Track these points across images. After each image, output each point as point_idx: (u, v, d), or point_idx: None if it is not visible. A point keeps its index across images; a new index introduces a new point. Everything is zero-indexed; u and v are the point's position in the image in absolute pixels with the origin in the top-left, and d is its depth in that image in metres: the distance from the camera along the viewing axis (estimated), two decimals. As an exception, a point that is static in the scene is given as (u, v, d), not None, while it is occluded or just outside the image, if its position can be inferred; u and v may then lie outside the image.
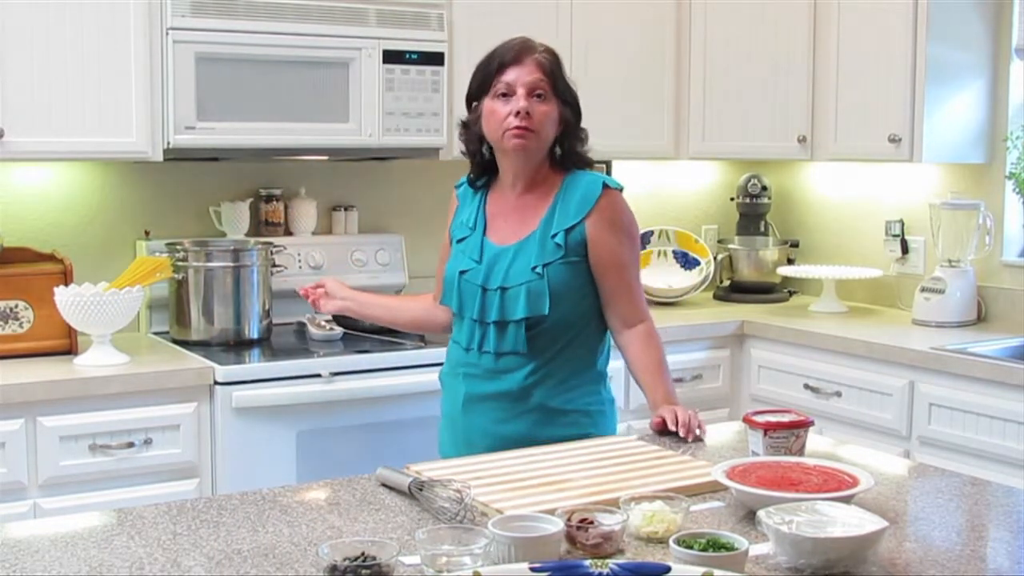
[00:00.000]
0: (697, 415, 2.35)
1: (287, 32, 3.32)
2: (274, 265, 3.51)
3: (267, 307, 3.44)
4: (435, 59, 3.53)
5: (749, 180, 4.41)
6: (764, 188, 4.40)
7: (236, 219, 3.64)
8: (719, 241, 4.54)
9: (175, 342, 3.37)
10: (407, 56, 3.48)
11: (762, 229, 4.45)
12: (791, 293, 4.40)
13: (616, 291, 2.39)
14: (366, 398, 3.17)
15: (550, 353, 2.36)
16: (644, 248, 4.32)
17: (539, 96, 2.34)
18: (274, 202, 3.74)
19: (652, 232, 4.36)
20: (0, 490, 2.80)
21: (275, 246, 3.52)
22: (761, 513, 1.61)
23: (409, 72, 3.49)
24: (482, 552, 1.54)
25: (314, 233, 3.79)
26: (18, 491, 2.83)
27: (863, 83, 3.83)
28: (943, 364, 3.27)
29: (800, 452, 2.07)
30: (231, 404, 3.02)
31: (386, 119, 3.48)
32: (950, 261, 3.78)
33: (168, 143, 3.22)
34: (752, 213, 4.44)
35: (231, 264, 3.36)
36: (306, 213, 3.76)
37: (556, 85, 2.37)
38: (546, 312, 2.32)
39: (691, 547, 1.54)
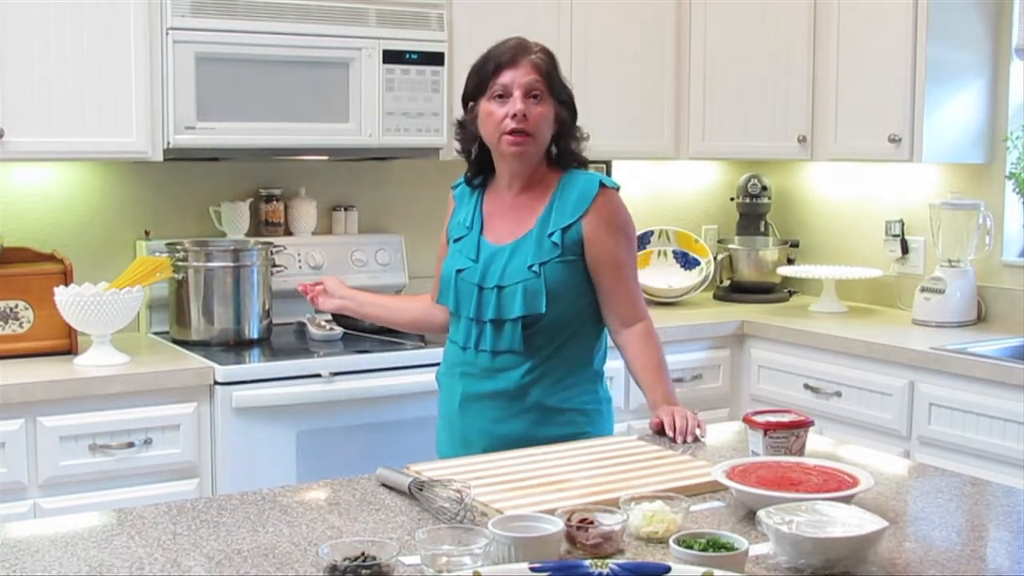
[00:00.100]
0: (696, 416, 2.35)
1: (287, 32, 3.32)
2: (274, 265, 3.51)
3: (267, 307, 3.44)
4: (435, 59, 3.53)
5: (749, 180, 4.41)
6: (764, 188, 4.40)
7: (236, 219, 3.64)
8: (719, 241, 4.54)
9: (175, 342, 3.37)
10: (407, 56, 3.48)
11: (762, 229, 4.45)
12: (791, 293, 4.40)
13: (613, 290, 2.39)
14: (366, 398, 3.17)
15: (547, 352, 2.36)
16: (644, 248, 4.32)
17: (535, 97, 2.35)
18: (274, 202, 3.74)
19: (652, 232, 4.36)
20: (0, 490, 2.80)
21: (275, 246, 3.53)
22: (761, 513, 1.61)
23: (409, 72, 3.49)
24: (482, 552, 1.54)
25: (314, 233, 3.79)
26: (18, 491, 2.83)
27: (863, 83, 3.83)
28: (943, 364, 3.27)
29: (800, 452, 2.07)
30: (231, 404, 3.02)
31: (386, 119, 3.48)
32: (950, 261, 3.78)
33: (168, 143, 3.22)
34: (752, 213, 4.44)
35: (231, 264, 3.36)
36: (306, 213, 3.76)
37: (552, 85, 2.37)
38: (543, 311, 2.32)
39: (691, 547, 1.54)
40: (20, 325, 3.10)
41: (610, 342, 2.49)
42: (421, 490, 1.86)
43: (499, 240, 2.41)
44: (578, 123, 2.46)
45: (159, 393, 2.97)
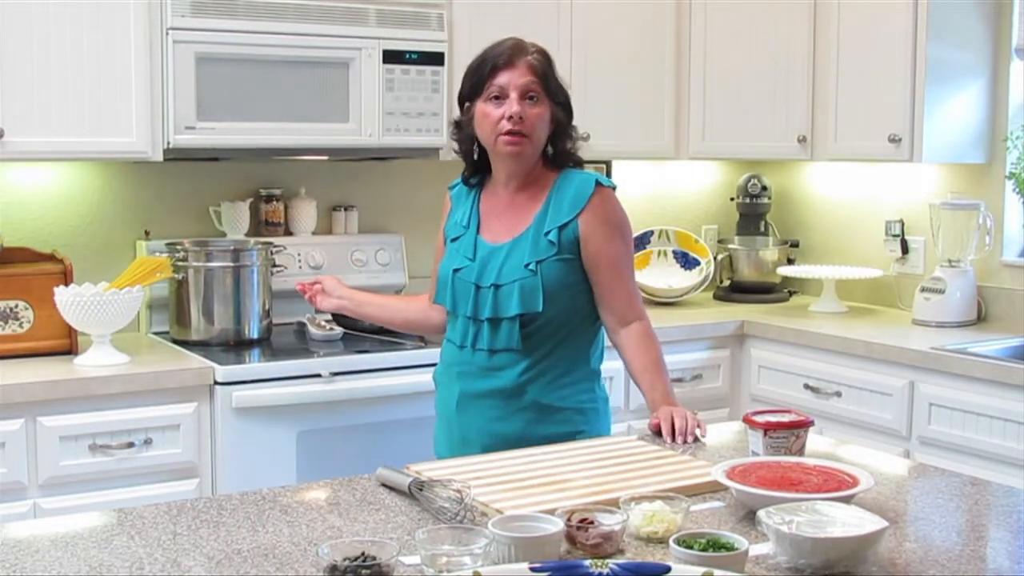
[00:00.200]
0: (696, 416, 2.34)
1: (287, 32, 3.32)
2: (274, 265, 3.51)
3: (267, 307, 3.44)
4: (435, 59, 3.53)
5: (749, 180, 4.41)
6: (764, 188, 4.40)
7: (236, 219, 3.64)
8: (719, 241, 4.54)
9: (175, 342, 3.37)
10: (407, 56, 3.48)
11: (762, 229, 4.45)
12: (791, 293, 4.40)
13: (609, 288, 2.40)
14: (366, 398, 3.17)
15: (544, 350, 2.37)
16: (644, 248, 4.32)
17: (531, 99, 2.35)
18: (274, 202, 3.74)
19: (652, 232, 4.36)
20: (0, 490, 2.80)
21: (275, 246, 3.53)
22: (761, 513, 1.61)
23: (409, 72, 3.50)
24: (482, 552, 1.54)
25: (314, 233, 3.79)
26: (18, 491, 2.83)
27: (863, 83, 3.83)
28: (943, 364, 3.27)
29: (800, 452, 2.07)
30: (231, 404, 3.02)
31: (386, 119, 3.48)
32: (950, 261, 3.78)
33: (168, 143, 3.22)
34: (752, 213, 4.44)
35: (231, 264, 3.36)
36: (306, 213, 3.76)
37: (548, 86, 2.38)
38: (540, 309, 2.33)
39: (691, 547, 1.54)
40: (20, 325, 3.10)
41: (608, 342, 2.49)
42: (421, 490, 1.86)
43: (496, 239, 2.42)
44: (575, 123, 2.46)
45: (159, 393, 2.97)
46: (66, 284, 3.10)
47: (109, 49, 3.14)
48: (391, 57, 3.46)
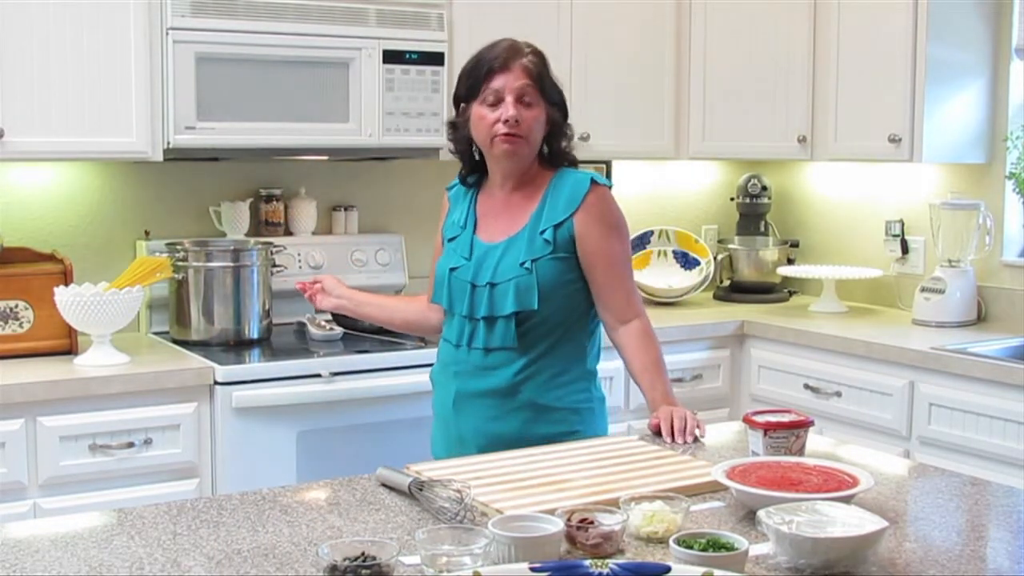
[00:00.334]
0: (695, 416, 2.34)
1: (287, 32, 3.32)
2: (274, 265, 3.51)
3: (267, 307, 3.44)
4: (435, 59, 3.53)
5: (749, 180, 4.41)
6: (764, 188, 4.40)
7: (236, 219, 3.64)
8: (719, 241, 4.54)
9: (175, 342, 3.37)
10: (407, 56, 3.48)
11: (762, 229, 4.45)
12: (791, 293, 4.40)
13: (606, 286, 2.40)
14: (366, 398, 3.17)
15: (539, 350, 2.37)
16: (644, 248, 4.32)
17: (527, 101, 2.35)
18: (274, 202, 3.74)
19: (652, 232, 4.36)
20: (0, 490, 2.80)
21: (275, 246, 3.53)
22: (761, 513, 1.61)
23: (409, 72, 3.50)
24: (482, 552, 1.54)
25: (314, 233, 3.79)
26: (18, 491, 2.83)
27: (863, 83, 3.83)
28: (943, 364, 3.27)
29: (800, 452, 2.07)
30: (231, 404, 3.02)
31: (386, 119, 3.48)
32: (950, 261, 3.78)
33: (168, 143, 3.22)
34: (752, 213, 4.44)
35: (231, 264, 3.36)
36: (306, 213, 3.76)
37: (543, 88, 2.38)
38: (535, 307, 2.33)
39: (691, 547, 1.54)
40: (20, 325, 3.10)
41: (605, 342, 2.49)
42: (421, 490, 1.86)
43: (492, 238, 2.42)
44: (570, 122, 2.46)
45: (159, 393, 2.97)
46: (66, 284, 3.10)
47: (109, 49, 3.14)
48: (391, 57, 3.46)
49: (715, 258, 4.36)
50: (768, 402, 3.69)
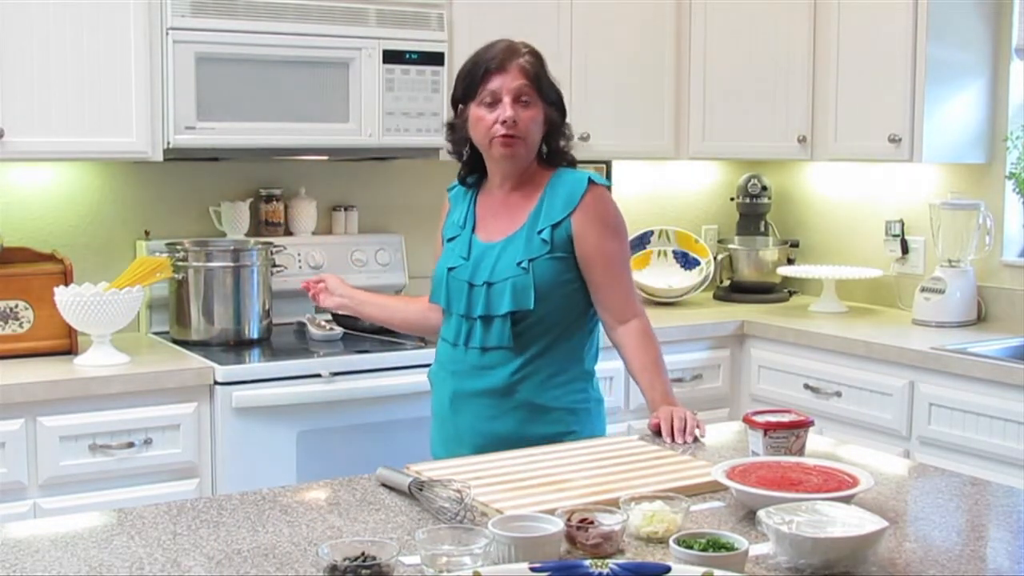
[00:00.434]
0: (695, 416, 2.34)
1: (287, 32, 3.32)
2: (274, 265, 3.51)
3: (267, 307, 3.44)
4: (435, 59, 3.53)
5: (749, 180, 4.41)
6: (764, 188, 4.40)
7: (236, 219, 3.64)
8: (719, 241, 4.54)
9: (175, 342, 3.37)
10: (407, 56, 3.48)
11: (762, 229, 4.45)
12: (791, 293, 4.40)
13: (605, 286, 2.40)
14: (366, 398, 3.17)
15: (536, 349, 2.37)
16: (644, 248, 4.32)
17: (524, 101, 2.36)
18: (274, 202, 3.74)
19: (652, 232, 4.36)
20: (0, 490, 2.80)
21: (275, 246, 3.53)
22: (761, 513, 1.61)
23: (409, 72, 3.50)
24: (482, 552, 1.54)
25: (314, 233, 3.79)
26: (18, 491, 2.83)
27: (863, 83, 3.83)
28: (943, 364, 3.27)
29: (800, 452, 2.07)
30: (231, 404, 3.02)
31: (386, 119, 3.48)
32: (950, 261, 3.78)
33: (168, 143, 3.22)
34: (752, 213, 4.44)
35: (231, 264, 3.36)
36: (306, 213, 3.76)
37: (540, 88, 2.38)
38: (531, 307, 2.33)
39: (691, 547, 1.54)
40: (20, 325, 3.10)
41: (604, 342, 2.49)
42: (421, 490, 1.86)
43: (490, 238, 2.42)
44: (569, 122, 2.46)
45: (159, 393, 2.97)
46: (66, 284, 3.10)
47: (109, 49, 3.14)
48: (391, 57, 3.46)
49: (715, 258, 4.36)
50: (768, 402, 3.69)
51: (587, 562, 1.44)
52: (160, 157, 3.25)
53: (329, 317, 3.52)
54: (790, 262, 4.38)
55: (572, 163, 2.48)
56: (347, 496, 1.93)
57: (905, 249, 4.09)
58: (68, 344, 3.13)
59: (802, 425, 2.08)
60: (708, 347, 3.86)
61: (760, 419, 2.08)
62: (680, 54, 4.10)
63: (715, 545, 1.55)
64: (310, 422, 3.11)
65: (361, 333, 3.43)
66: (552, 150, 2.45)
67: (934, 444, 3.29)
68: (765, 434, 2.06)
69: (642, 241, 4.33)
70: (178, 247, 3.37)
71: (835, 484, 1.81)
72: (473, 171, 2.51)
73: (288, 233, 3.76)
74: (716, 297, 4.38)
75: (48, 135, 3.09)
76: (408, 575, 1.56)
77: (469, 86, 2.39)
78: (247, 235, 3.66)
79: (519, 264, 2.35)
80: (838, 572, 1.55)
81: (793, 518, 1.59)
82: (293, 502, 1.91)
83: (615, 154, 4.12)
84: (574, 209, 2.37)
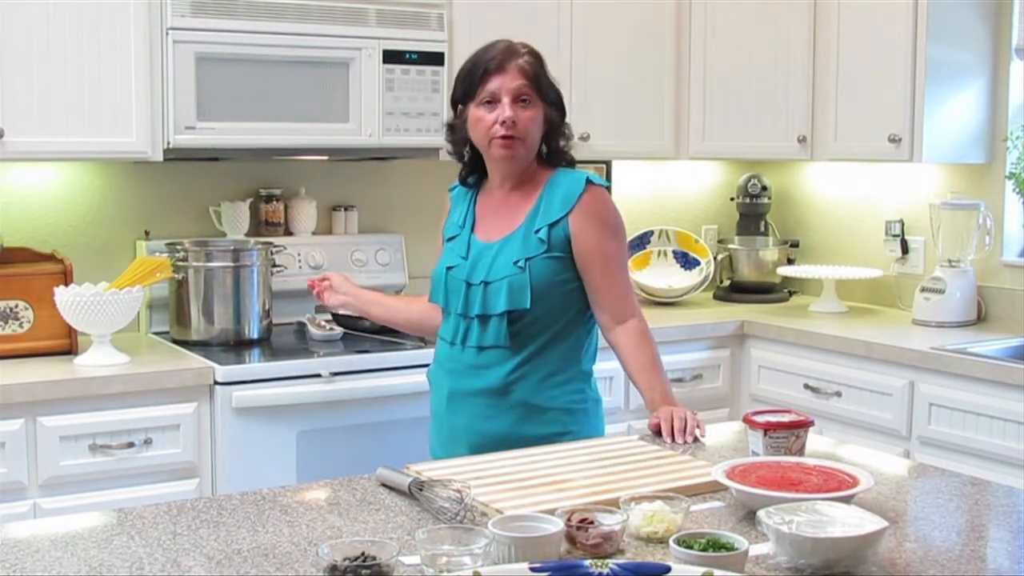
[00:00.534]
0: (695, 416, 2.34)
1: (287, 32, 3.32)
2: (274, 265, 3.51)
3: (267, 307, 3.44)
4: (435, 59, 3.53)
5: (749, 180, 4.41)
6: (764, 188, 4.40)
7: (236, 219, 3.64)
8: (719, 241, 4.54)
9: (175, 342, 3.37)
10: (407, 56, 3.48)
11: (762, 229, 4.45)
12: (791, 293, 4.40)
13: (602, 286, 2.40)
14: (366, 398, 3.17)
15: (532, 349, 2.37)
16: (644, 248, 4.32)
17: (524, 101, 2.36)
18: (274, 202, 3.74)
19: (652, 232, 4.36)
20: (0, 490, 2.80)
21: (275, 246, 3.53)
22: (761, 513, 1.61)
23: (409, 72, 3.50)
24: (482, 552, 1.54)
25: (314, 233, 3.79)
26: (18, 491, 2.83)
27: (863, 83, 3.83)
28: (943, 364, 3.27)
29: (800, 452, 2.07)
30: (231, 404, 3.02)
31: (386, 119, 3.48)
32: (950, 261, 3.78)
33: (168, 143, 3.22)
34: (752, 213, 4.44)
35: (231, 264, 3.36)
36: (306, 213, 3.76)
37: (540, 88, 2.38)
38: (527, 306, 2.33)
39: (691, 547, 1.54)
40: (20, 325, 3.10)
41: (602, 342, 2.49)
42: (421, 490, 1.86)
43: (488, 237, 2.43)
44: (569, 121, 2.47)
45: (159, 393, 2.97)
46: (66, 284, 3.10)
47: (109, 49, 3.14)
48: (391, 57, 3.46)
49: (715, 258, 4.36)
50: (768, 402, 3.69)
51: (587, 562, 1.44)
52: (160, 157, 3.25)
53: (329, 317, 3.52)
54: (790, 262, 4.38)
55: (572, 163, 2.48)
56: (347, 496, 1.93)
57: (905, 249, 4.09)
58: (68, 344, 3.13)
59: (802, 425, 2.08)
60: (708, 347, 3.86)
61: (760, 419, 2.08)
62: (680, 54, 4.10)
63: (715, 545, 1.55)
64: (310, 422, 3.11)
65: (361, 333, 3.43)
66: (552, 150, 2.45)
67: (934, 444, 3.29)
68: (765, 434, 2.06)
69: (642, 241, 4.33)
70: (178, 247, 3.37)
71: (835, 484, 1.81)
72: (473, 171, 2.51)
73: (288, 233, 3.76)
74: (716, 297, 4.38)
75: (48, 135, 3.09)
76: (408, 575, 1.56)
77: (468, 86, 2.39)
78: (247, 235, 3.66)
79: (516, 263, 2.35)
80: (838, 572, 1.55)
81: (793, 518, 1.59)
82: (293, 502, 1.91)
83: (615, 154, 4.12)
84: (571, 209, 2.37)
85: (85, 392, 2.89)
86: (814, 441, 2.19)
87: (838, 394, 3.57)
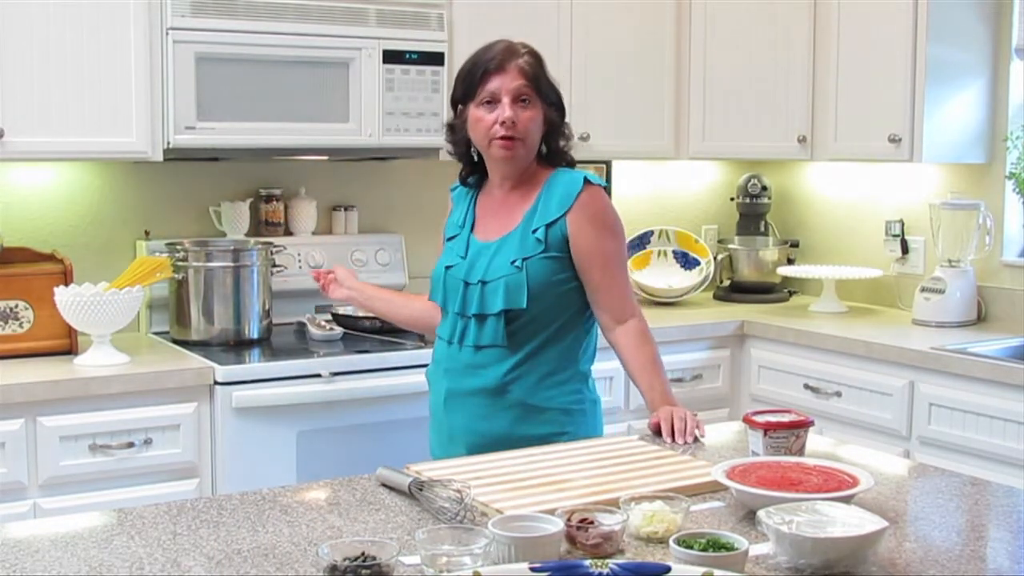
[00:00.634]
0: (695, 416, 2.34)
1: (287, 32, 3.32)
2: (274, 265, 3.51)
3: (267, 307, 3.44)
4: (435, 59, 3.53)
5: (749, 180, 4.41)
6: (764, 188, 4.40)
7: (236, 219, 3.64)
8: (719, 241, 4.54)
9: (175, 342, 3.37)
10: (407, 56, 3.48)
11: (762, 229, 4.45)
12: (791, 293, 4.40)
13: (601, 287, 2.40)
14: (366, 398, 3.17)
15: (529, 349, 2.37)
16: (644, 248, 4.32)
17: (523, 102, 2.36)
18: (274, 202, 3.74)
19: (652, 232, 4.36)
20: (0, 490, 2.80)
21: (275, 246, 3.52)
22: (761, 513, 1.61)
23: (409, 72, 3.50)
24: (482, 552, 1.54)
25: (314, 233, 3.79)
26: (18, 491, 2.83)
27: (863, 83, 3.83)
28: (943, 364, 3.27)
29: (800, 452, 2.07)
30: (231, 404, 3.02)
31: (386, 119, 3.48)
32: (950, 261, 3.78)
33: (168, 143, 3.22)
34: (752, 213, 4.44)
35: (231, 264, 3.36)
36: (306, 213, 3.76)
37: (539, 88, 2.39)
38: (524, 306, 2.33)
39: (691, 547, 1.54)
40: (20, 325, 3.10)
41: (601, 342, 2.49)
42: (421, 490, 1.86)
43: (487, 237, 2.43)
44: (569, 122, 2.47)
45: (159, 393, 2.97)
46: (66, 284, 3.10)
47: (109, 49, 3.14)
48: (391, 57, 3.46)
49: (715, 258, 4.36)
50: (768, 402, 3.69)
51: (587, 562, 1.44)
52: (160, 157, 3.25)
53: (329, 317, 3.53)
54: (790, 262, 4.38)
55: (572, 163, 2.48)
56: (347, 496, 1.93)
57: (905, 249, 4.09)
58: (68, 344, 3.13)
59: (802, 425, 2.08)
60: (708, 347, 3.86)
61: (760, 419, 2.08)
62: (680, 54, 4.10)
63: (715, 545, 1.55)
64: (310, 422, 3.11)
65: (361, 333, 3.43)
66: (552, 150, 2.46)
67: (934, 444, 3.29)
68: (765, 434, 2.06)
69: (642, 241, 4.33)
70: (178, 247, 3.37)
71: (835, 484, 1.81)
72: (474, 171, 2.52)
73: (288, 233, 3.76)
74: (716, 297, 4.38)
75: (48, 135, 3.09)
76: (408, 575, 1.56)
77: (468, 87, 2.40)
78: (247, 235, 3.66)
79: (513, 263, 2.35)
80: (838, 572, 1.55)
81: (793, 518, 1.59)
82: (293, 502, 1.91)
83: (615, 154, 4.12)
84: (569, 209, 2.36)
85: (85, 392, 2.89)
86: (814, 441, 2.20)
87: (838, 394, 3.57)
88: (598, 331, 2.48)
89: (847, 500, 1.74)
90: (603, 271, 2.39)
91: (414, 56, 3.50)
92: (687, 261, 4.33)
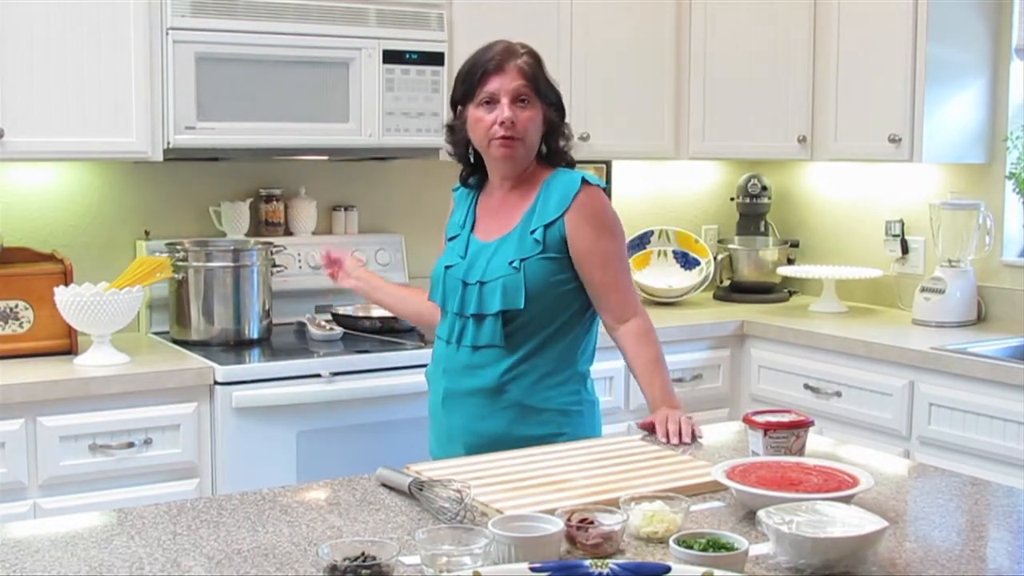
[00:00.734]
0: (691, 421, 2.34)
1: (287, 32, 3.32)
2: (274, 265, 3.51)
3: (267, 307, 3.44)
4: (435, 59, 3.53)
5: (749, 180, 4.41)
6: (764, 188, 4.40)
7: (236, 219, 3.64)
8: (719, 241, 4.54)
9: (175, 342, 3.37)
10: (407, 56, 3.49)
11: (762, 229, 4.45)
12: (791, 293, 4.40)
13: (602, 287, 2.40)
14: (366, 398, 3.17)
15: (527, 349, 2.37)
16: (644, 248, 4.32)
17: (523, 102, 2.36)
18: (274, 202, 3.74)
19: (652, 232, 4.36)
20: (0, 490, 2.80)
21: (275, 246, 3.52)
22: (761, 513, 1.61)
23: (409, 72, 3.50)
24: (482, 552, 1.54)
25: (314, 233, 3.79)
26: (18, 491, 2.83)
27: (863, 83, 3.83)
28: (943, 364, 3.27)
29: (800, 452, 2.07)
30: (231, 404, 3.02)
31: (386, 119, 3.48)
32: (950, 261, 3.78)
33: (168, 143, 3.23)
34: (752, 213, 4.44)
35: (231, 264, 3.36)
36: (306, 213, 3.76)
37: (538, 88, 2.39)
38: (521, 306, 2.33)
39: (691, 547, 1.54)
40: (20, 325, 3.10)
41: (600, 343, 2.49)
42: (421, 490, 1.86)
43: (487, 237, 2.43)
44: (568, 121, 2.47)
45: (159, 393, 2.97)
46: (66, 284, 3.10)
47: (109, 49, 3.14)
48: (391, 57, 3.46)
49: (715, 258, 4.36)
50: (768, 402, 3.69)
51: (587, 562, 1.44)
52: (160, 157, 3.25)
53: (329, 317, 3.53)
54: (790, 262, 4.38)
55: (572, 163, 2.48)
56: (347, 496, 1.93)
57: (905, 249, 4.09)
58: (68, 344, 3.13)
59: (802, 425, 2.08)
60: (708, 347, 3.86)
61: (760, 419, 2.08)
62: (680, 54, 4.10)
63: (715, 545, 1.55)
64: (310, 422, 3.11)
65: (361, 333, 3.43)
66: (551, 150, 2.46)
67: (934, 444, 3.29)
68: (765, 434, 2.06)
69: (642, 241, 4.33)
70: (178, 247, 3.37)
71: (835, 484, 1.81)
72: (474, 172, 2.52)
73: (288, 233, 3.76)
74: (716, 297, 4.38)
75: (48, 135, 3.09)
76: (408, 575, 1.56)
77: (467, 87, 2.40)
78: (247, 235, 3.66)
79: (511, 264, 2.35)
80: (838, 572, 1.55)
81: (793, 518, 1.59)
82: (293, 502, 1.91)
83: (615, 154, 4.12)
84: (567, 209, 2.36)
85: (85, 392, 2.89)
86: (814, 441, 2.19)
87: (838, 394, 3.57)
88: (597, 332, 2.48)
89: (847, 500, 1.74)
90: (602, 271, 2.39)
91: (414, 56, 3.50)
92: (687, 261, 4.33)
